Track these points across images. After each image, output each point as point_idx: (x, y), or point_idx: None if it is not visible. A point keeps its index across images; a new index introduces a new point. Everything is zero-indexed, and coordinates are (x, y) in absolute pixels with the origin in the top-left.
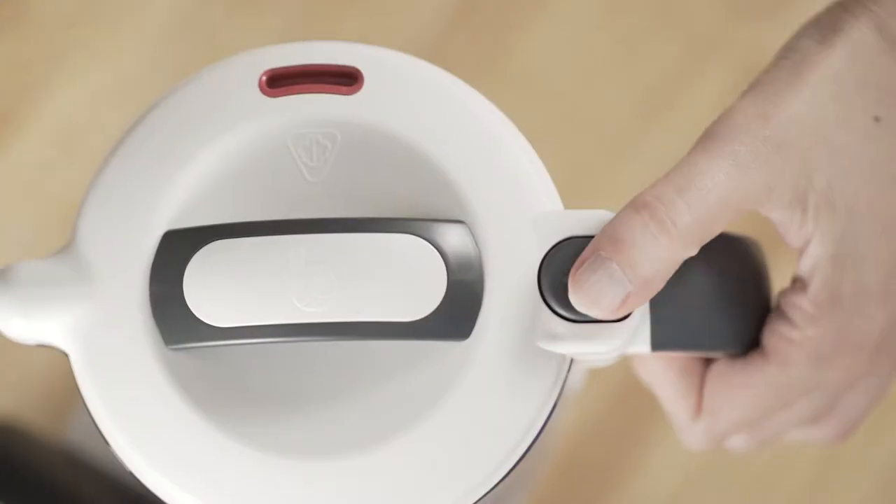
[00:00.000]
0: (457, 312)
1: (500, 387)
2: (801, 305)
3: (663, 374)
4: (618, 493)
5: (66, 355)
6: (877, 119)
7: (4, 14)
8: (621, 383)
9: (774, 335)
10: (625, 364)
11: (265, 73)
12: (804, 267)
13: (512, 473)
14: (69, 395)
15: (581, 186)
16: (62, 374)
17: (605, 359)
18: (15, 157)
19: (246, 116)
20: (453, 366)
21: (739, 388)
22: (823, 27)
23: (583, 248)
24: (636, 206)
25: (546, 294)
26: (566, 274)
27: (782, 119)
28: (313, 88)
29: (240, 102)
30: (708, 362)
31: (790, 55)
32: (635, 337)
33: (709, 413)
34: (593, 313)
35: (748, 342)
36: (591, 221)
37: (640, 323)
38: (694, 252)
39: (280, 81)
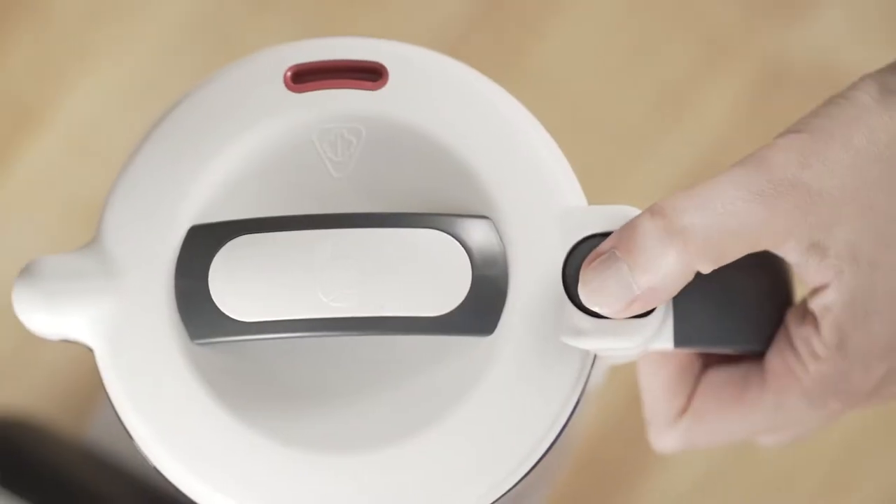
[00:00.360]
0: (481, 307)
1: (525, 382)
2: (811, 342)
3: (657, 369)
4: (637, 490)
5: (90, 350)
6: None
7: (23, 14)
8: (632, 387)
9: (780, 361)
10: (634, 367)
11: (290, 68)
12: (816, 306)
13: (534, 470)
14: (89, 392)
15: (596, 188)
16: (82, 372)
17: (628, 355)
18: (34, 156)
19: (270, 112)
20: (478, 361)
21: (731, 402)
22: (884, 84)
23: None
24: (653, 211)
25: (571, 290)
26: None
27: (821, 171)
28: (338, 84)
29: (265, 98)
30: (706, 365)
31: (843, 104)
32: (659, 333)
33: (694, 418)
34: (597, 310)
35: (771, 341)
36: (615, 217)
37: (664, 319)
38: (705, 269)
39: (305, 77)
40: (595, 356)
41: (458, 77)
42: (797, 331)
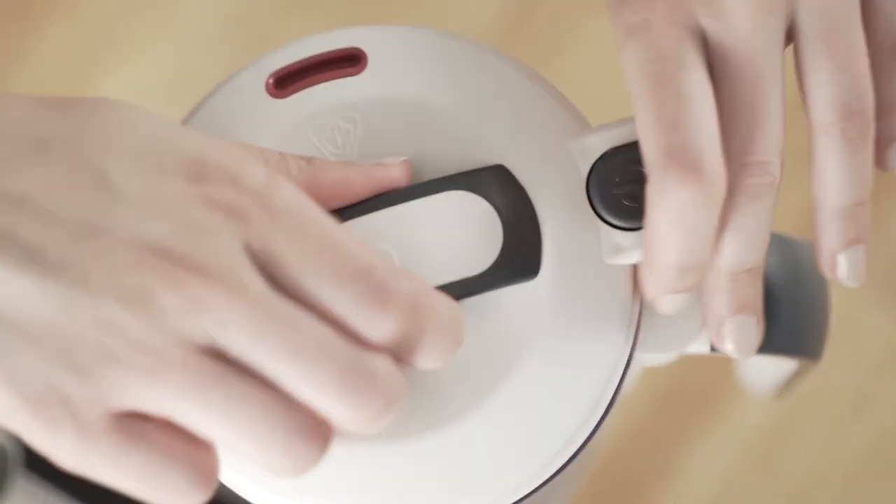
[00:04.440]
0: (520, 253)
1: (572, 349)
2: None
3: None
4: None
5: None
6: None
7: (54, 7)
8: (658, 393)
9: None
10: (662, 372)
11: (270, 76)
12: None
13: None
14: None
15: None
16: None
17: (663, 357)
18: None
19: (261, 123)
20: (527, 319)
21: None
22: None
23: (625, 156)
24: None
25: (599, 210)
26: (615, 185)
27: None
28: (320, 79)
29: (252, 111)
30: None
31: None
32: (695, 338)
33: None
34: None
35: (811, 347)
36: (624, 130)
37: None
38: None
39: (286, 81)
40: (639, 318)
41: (434, 43)
42: None
